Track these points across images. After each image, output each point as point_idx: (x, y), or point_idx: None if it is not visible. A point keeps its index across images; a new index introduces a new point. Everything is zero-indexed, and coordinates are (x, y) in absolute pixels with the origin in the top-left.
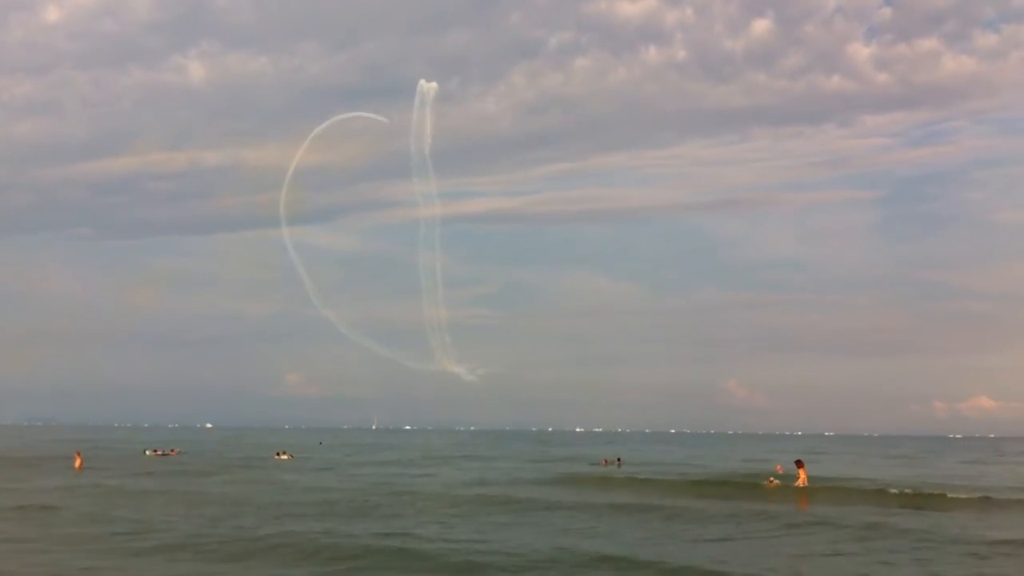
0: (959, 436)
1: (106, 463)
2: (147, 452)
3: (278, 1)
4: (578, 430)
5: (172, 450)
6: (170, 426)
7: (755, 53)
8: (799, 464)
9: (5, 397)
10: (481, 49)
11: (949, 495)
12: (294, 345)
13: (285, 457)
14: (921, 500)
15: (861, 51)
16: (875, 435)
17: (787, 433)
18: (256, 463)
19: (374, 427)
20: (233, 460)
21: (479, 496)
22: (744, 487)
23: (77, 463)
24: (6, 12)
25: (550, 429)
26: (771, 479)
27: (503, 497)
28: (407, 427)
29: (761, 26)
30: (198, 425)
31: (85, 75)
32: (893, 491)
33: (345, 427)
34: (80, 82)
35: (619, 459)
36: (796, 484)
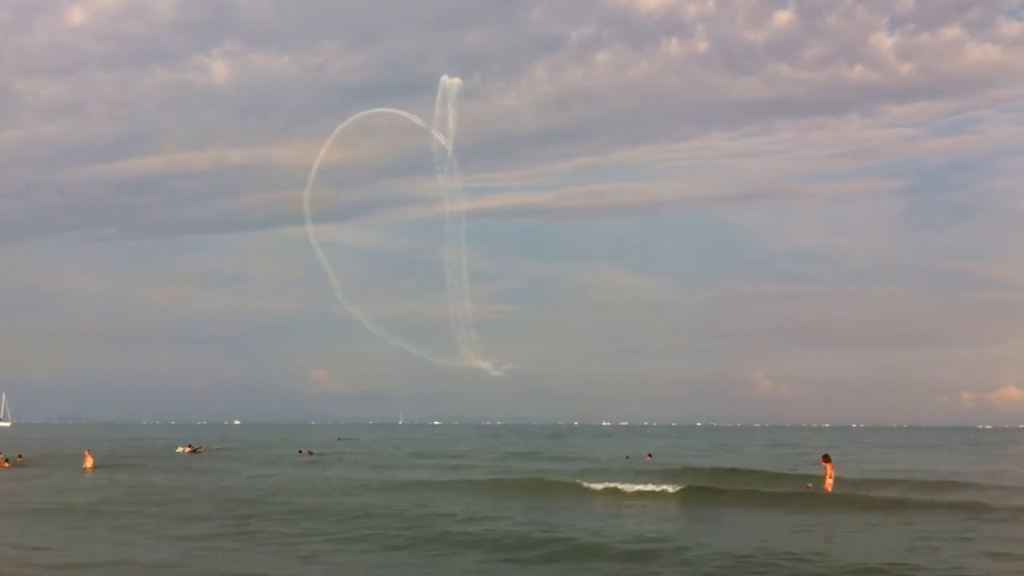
0: (988, 427)
1: (138, 460)
2: (179, 449)
3: (299, 0)
4: (604, 424)
5: (199, 447)
6: (199, 423)
7: (777, 44)
8: (826, 459)
9: (33, 396)
10: (502, 44)
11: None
12: (320, 342)
13: (307, 453)
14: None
15: (884, 41)
16: (904, 426)
17: (814, 425)
18: (267, 461)
19: (400, 422)
20: (252, 458)
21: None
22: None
23: (87, 463)
24: (31, 15)
25: (576, 423)
26: (808, 485)
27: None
28: (435, 422)
29: (783, 17)
30: (226, 422)
31: (110, 76)
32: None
33: (371, 423)
34: (105, 83)
35: (649, 454)
36: (824, 486)
